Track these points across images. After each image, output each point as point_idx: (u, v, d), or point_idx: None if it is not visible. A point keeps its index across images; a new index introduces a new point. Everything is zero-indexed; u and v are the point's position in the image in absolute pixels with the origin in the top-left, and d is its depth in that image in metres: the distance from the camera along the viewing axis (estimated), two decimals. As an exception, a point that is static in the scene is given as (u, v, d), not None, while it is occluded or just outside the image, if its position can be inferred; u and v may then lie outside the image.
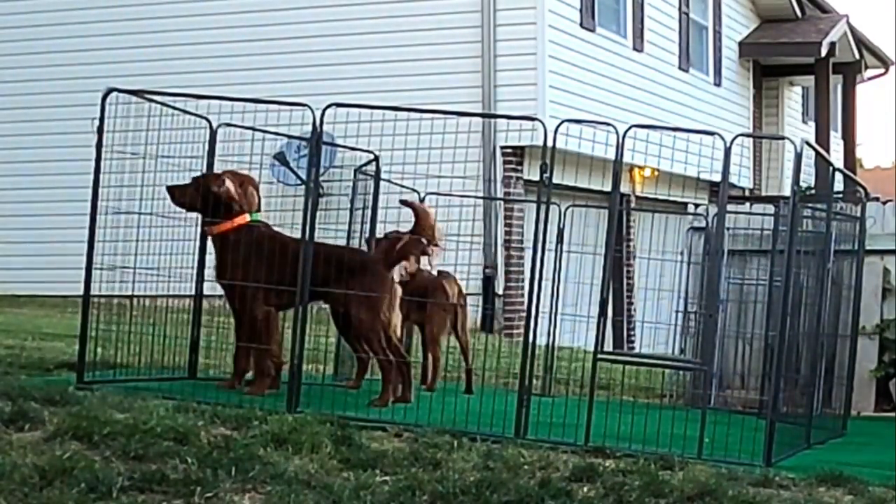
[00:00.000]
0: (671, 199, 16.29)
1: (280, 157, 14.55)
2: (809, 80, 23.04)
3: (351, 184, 8.51)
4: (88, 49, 16.42)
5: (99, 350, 7.18)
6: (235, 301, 7.05)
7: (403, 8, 15.45)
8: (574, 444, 6.03)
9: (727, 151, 6.38)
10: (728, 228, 8.25)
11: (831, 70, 22.20)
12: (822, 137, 21.40)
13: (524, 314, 6.53)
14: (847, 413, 7.98)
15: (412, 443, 5.81)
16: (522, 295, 13.89)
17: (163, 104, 7.40)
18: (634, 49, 17.82)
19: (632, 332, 16.43)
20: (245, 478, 4.79)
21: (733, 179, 17.20)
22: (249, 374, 7.22)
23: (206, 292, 7.74)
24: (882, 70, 26.93)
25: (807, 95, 25.60)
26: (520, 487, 4.96)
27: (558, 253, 8.27)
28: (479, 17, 14.97)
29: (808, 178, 17.95)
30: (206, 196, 7.08)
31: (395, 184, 8.47)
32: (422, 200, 8.44)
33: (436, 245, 7.30)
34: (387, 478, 5.05)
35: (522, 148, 14.84)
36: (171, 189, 7.15)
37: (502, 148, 14.80)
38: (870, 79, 26.33)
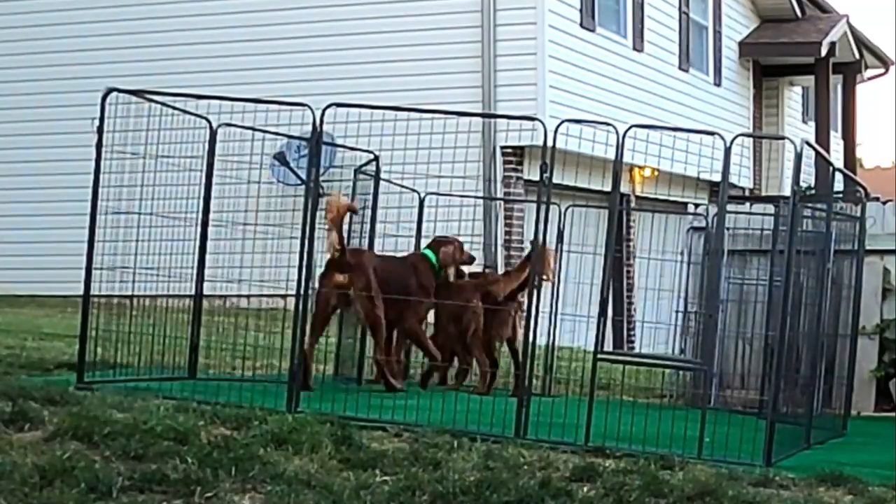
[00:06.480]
0: (671, 199, 16.27)
1: (280, 157, 14.54)
2: (809, 80, 23.03)
3: (351, 184, 8.51)
4: (88, 49, 16.42)
5: (99, 350, 7.18)
6: None
7: (403, 8, 15.45)
8: (574, 444, 6.03)
9: (727, 151, 6.38)
10: (728, 228, 8.23)
11: (831, 70, 22.19)
12: (822, 137, 21.39)
13: (524, 314, 6.53)
14: (847, 413, 7.97)
15: (412, 443, 5.81)
16: (522, 295, 13.86)
17: (163, 104, 7.39)
18: (634, 49, 17.81)
19: (632, 332, 16.42)
20: (245, 478, 4.79)
21: (733, 179, 17.20)
22: None
23: (205, 292, 7.74)
24: (882, 70, 26.92)
25: (807, 95, 25.59)
26: (520, 487, 4.96)
27: (558, 253, 8.27)
28: (479, 17, 14.96)
29: (808, 178, 17.94)
30: None
31: (395, 184, 8.47)
32: (422, 200, 8.45)
33: None
34: (387, 478, 5.05)
35: (522, 148, 14.83)
36: None
37: (502, 148, 14.80)
38: (870, 79, 26.32)
